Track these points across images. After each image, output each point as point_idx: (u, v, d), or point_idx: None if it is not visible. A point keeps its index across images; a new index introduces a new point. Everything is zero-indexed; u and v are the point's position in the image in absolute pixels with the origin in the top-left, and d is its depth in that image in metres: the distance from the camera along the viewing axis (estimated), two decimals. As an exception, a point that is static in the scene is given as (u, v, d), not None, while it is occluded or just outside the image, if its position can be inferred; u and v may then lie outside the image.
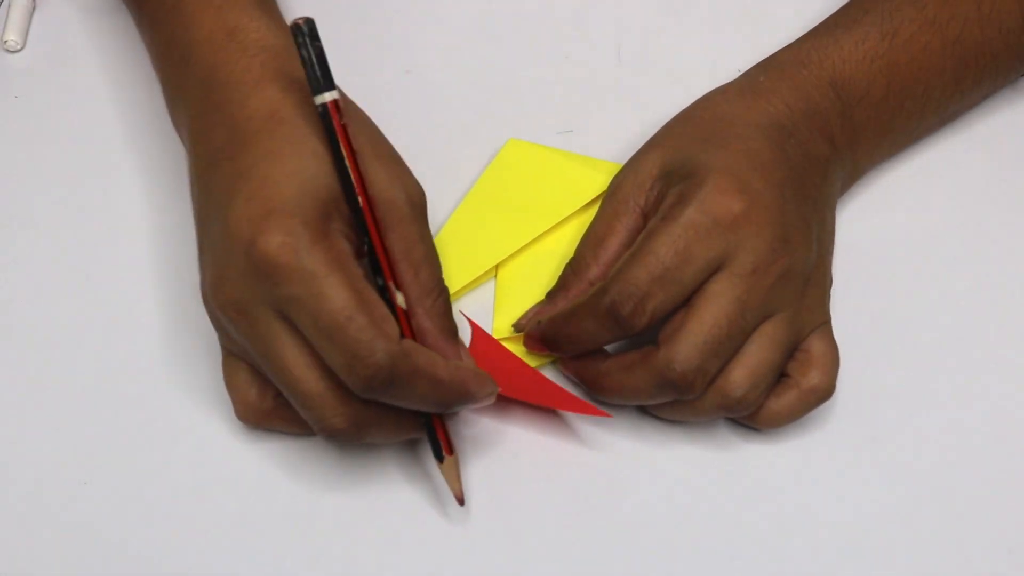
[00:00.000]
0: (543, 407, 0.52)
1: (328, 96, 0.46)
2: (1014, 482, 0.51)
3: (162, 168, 0.58)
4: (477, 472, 0.51)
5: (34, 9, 0.65)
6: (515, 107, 0.58)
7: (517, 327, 0.53)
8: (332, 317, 0.44)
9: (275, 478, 0.51)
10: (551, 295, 0.53)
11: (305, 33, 0.45)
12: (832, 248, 0.53)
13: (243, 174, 0.46)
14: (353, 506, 0.50)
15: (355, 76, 0.54)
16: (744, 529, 0.50)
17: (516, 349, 0.53)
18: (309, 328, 0.44)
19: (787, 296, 0.49)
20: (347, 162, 0.46)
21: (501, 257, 0.56)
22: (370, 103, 0.52)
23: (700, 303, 0.48)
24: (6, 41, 0.63)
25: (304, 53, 0.46)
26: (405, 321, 0.47)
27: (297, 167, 0.46)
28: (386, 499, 0.50)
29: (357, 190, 0.46)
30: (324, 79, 0.46)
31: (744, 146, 0.50)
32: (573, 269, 0.52)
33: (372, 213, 0.47)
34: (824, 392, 0.50)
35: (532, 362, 0.53)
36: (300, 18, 0.46)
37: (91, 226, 0.57)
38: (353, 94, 0.52)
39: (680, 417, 0.50)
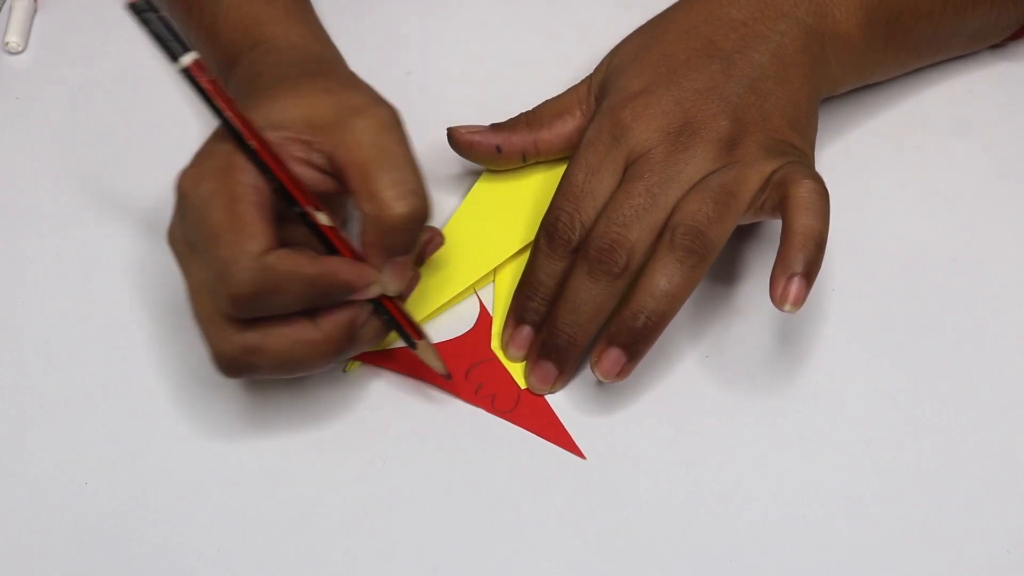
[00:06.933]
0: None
1: (187, 59, 0.46)
2: (1012, 482, 0.51)
3: (164, 169, 0.58)
4: (476, 471, 0.51)
5: (35, 11, 0.65)
6: (515, 108, 0.58)
7: (459, 136, 0.56)
8: (205, 237, 0.45)
9: (275, 478, 0.51)
10: (496, 126, 0.57)
11: (145, 9, 0.46)
12: (779, 86, 0.53)
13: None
14: (354, 506, 0.50)
15: (355, 77, 0.54)
16: (743, 529, 0.50)
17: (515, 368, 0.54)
18: (196, 247, 0.46)
19: (706, 156, 0.52)
20: (225, 112, 0.47)
21: (500, 260, 0.56)
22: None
23: (613, 197, 0.52)
24: (7, 43, 0.63)
25: (152, 28, 0.46)
26: (335, 239, 0.48)
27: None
28: (388, 500, 0.51)
29: (243, 133, 0.47)
30: (178, 45, 0.46)
31: (660, 50, 0.55)
32: (528, 121, 0.57)
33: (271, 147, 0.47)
34: (806, 229, 0.49)
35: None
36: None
37: (92, 227, 0.57)
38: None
39: (684, 265, 0.49)
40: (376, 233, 0.47)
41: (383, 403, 0.53)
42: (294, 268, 0.46)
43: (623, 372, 0.50)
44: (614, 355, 0.50)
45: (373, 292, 0.48)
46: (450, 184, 0.59)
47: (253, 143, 0.46)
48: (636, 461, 0.52)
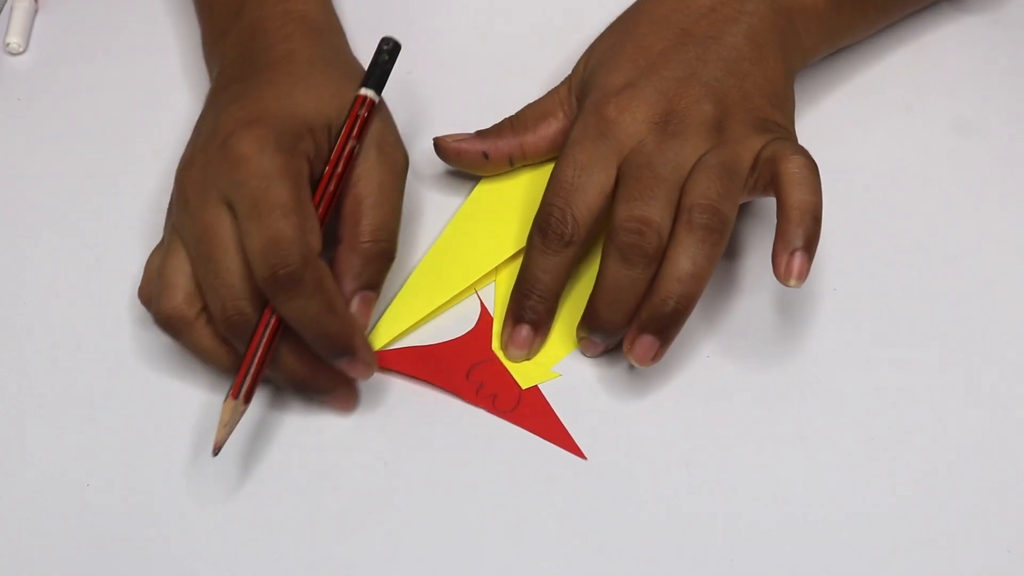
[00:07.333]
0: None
1: (364, 91, 0.53)
2: (1014, 482, 0.51)
3: (164, 169, 0.59)
4: (478, 471, 0.51)
5: (36, 11, 0.65)
6: (516, 108, 0.58)
7: (444, 144, 0.57)
8: (271, 205, 0.48)
9: (277, 478, 0.51)
10: (481, 132, 0.57)
11: (389, 49, 0.54)
12: (755, 66, 0.54)
13: (246, 92, 0.52)
14: (355, 507, 0.50)
15: (355, 77, 0.54)
16: (743, 529, 0.50)
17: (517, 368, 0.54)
18: (246, 209, 0.48)
19: (696, 140, 0.52)
20: (341, 138, 0.52)
21: (500, 260, 0.56)
22: (370, 104, 0.53)
23: (622, 185, 0.52)
24: (8, 43, 0.63)
25: (379, 58, 0.54)
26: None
27: (288, 92, 0.52)
28: (390, 501, 0.50)
29: (334, 159, 0.51)
30: (375, 81, 0.53)
31: (635, 44, 0.55)
32: (513, 125, 0.57)
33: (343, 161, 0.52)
34: (802, 204, 0.49)
35: (538, 378, 0.53)
36: (393, 39, 0.55)
37: (93, 227, 0.57)
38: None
39: (705, 244, 0.50)
40: (352, 262, 0.51)
41: (385, 404, 0.53)
42: (333, 294, 0.49)
43: (657, 356, 0.51)
44: (647, 341, 0.50)
45: (362, 375, 0.51)
46: (451, 185, 0.59)
47: (331, 187, 0.51)
48: (636, 461, 0.51)
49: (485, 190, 0.58)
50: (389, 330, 0.54)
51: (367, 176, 0.52)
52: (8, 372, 0.53)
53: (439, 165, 0.58)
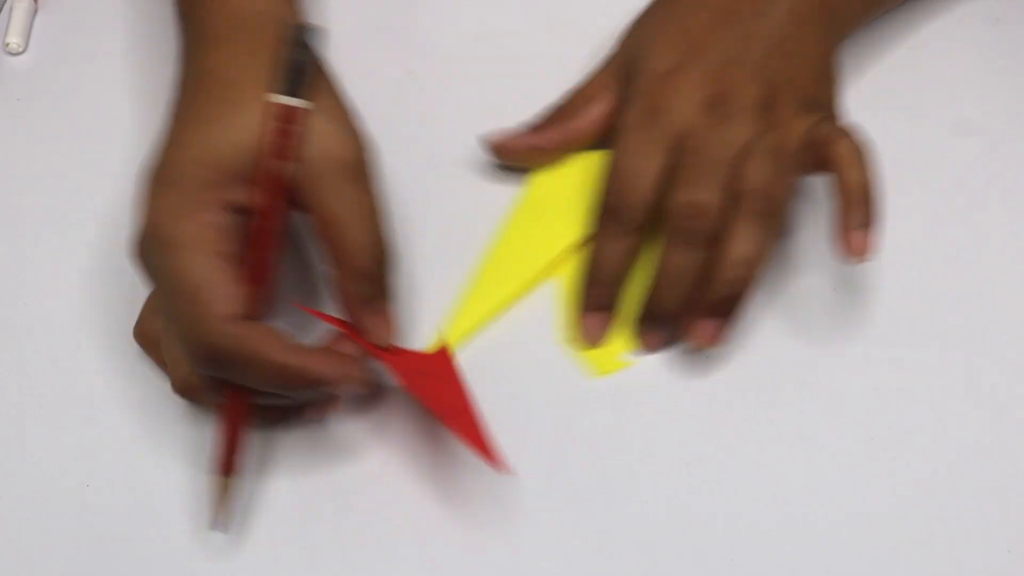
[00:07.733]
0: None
1: (280, 99, 0.47)
2: (1014, 482, 0.51)
3: (163, 169, 0.59)
4: (478, 471, 0.51)
5: (36, 11, 0.65)
6: (517, 108, 0.58)
7: (494, 141, 0.57)
8: (179, 291, 0.46)
9: (276, 479, 0.51)
10: (529, 125, 0.57)
11: (301, 39, 0.48)
12: (800, 45, 0.54)
13: (171, 133, 0.49)
14: (355, 507, 0.50)
15: (355, 76, 0.54)
16: (743, 529, 0.50)
17: None
18: (164, 294, 0.47)
19: (746, 122, 0.52)
20: (262, 170, 0.47)
21: (567, 247, 0.56)
22: (370, 103, 0.52)
23: (680, 169, 0.52)
24: (8, 43, 0.63)
25: (293, 54, 0.48)
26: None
27: (208, 134, 0.47)
28: (389, 501, 0.51)
29: (263, 197, 0.47)
30: (290, 85, 0.47)
31: (678, 25, 0.55)
32: (559, 114, 0.57)
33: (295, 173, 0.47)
34: (859, 184, 0.50)
35: (611, 366, 0.54)
36: (305, 24, 0.48)
37: (93, 228, 0.57)
38: (353, 94, 0.52)
39: (764, 233, 0.51)
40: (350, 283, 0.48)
41: (386, 404, 0.53)
42: (265, 351, 0.46)
43: (722, 338, 0.52)
44: (710, 326, 0.52)
45: (356, 388, 0.48)
46: (449, 184, 0.59)
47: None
48: (637, 461, 0.51)
49: (539, 183, 0.58)
50: (464, 327, 0.54)
51: (327, 191, 0.47)
52: (8, 372, 0.53)
53: (438, 159, 0.58)
